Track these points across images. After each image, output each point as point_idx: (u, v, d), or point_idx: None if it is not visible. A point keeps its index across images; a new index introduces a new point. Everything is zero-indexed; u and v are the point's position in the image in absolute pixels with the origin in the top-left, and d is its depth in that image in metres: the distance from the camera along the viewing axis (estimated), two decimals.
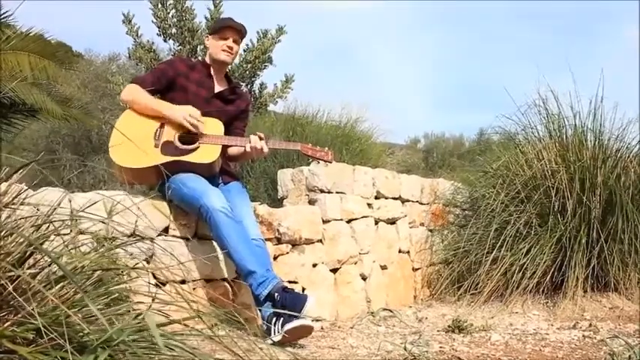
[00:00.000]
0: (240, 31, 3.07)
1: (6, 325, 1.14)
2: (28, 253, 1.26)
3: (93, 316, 1.23)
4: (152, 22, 8.65)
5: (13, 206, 1.34)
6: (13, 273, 1.14)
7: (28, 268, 1.26)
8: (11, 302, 1.18)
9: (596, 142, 3.98)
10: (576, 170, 3.77)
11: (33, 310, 1.09)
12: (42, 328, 0.93)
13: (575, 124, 4.06)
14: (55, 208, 1.36)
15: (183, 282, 2.72)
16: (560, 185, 3.75)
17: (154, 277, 2.62)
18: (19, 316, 1.14)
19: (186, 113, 2.80)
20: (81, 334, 1.12)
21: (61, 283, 1.26)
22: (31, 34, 6.35)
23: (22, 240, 1.23)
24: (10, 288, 1.03)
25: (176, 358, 1.20)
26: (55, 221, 1.42)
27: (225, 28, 3.04)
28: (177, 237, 2.78)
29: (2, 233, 1.19)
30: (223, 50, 3.01)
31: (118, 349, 0.99)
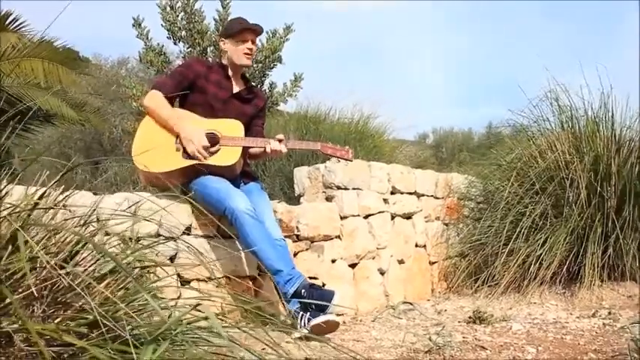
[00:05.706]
0: (259, 32, 3.08)
1: (57, 320, 1.20)
2: (73, 252, 1.32)
3: (139, 310, 1.29)
4: (161, 25, 8.70)
5: (55, 208, 1.40)
6: (63, 270, 1.20)
7: (75, 266, 1.31)
8: (59, 299, 1.23)
9: (609, 132, 3.99)
10: (590, 160, 3.79)
11: (84, 304, 1.14)
12: (99, 321, 0.98)
13: (587, 115, 4.08)
14: (94, 209, 1.42)
15: (209, 279, 2.78)
16: (574, 176, 3.77)
17: (179, 276, 2.69)
18: (70, 311, 1.20)
19: (198, 145, 2.77)
20: (130, 327, 1.17)
21: (106, 280, 1.32)
22: (43, 42, 6.44)
23: (68, 239, 1.28)
24: (65, 283, 1.08)
25: (219, 349, 1.25)
26: (93, 222, 1.48)
27: (245, 30, 3.02)
28: (200, 235, 2.84)
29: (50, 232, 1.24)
30: (245, 54, 3.01)
31: (176, 340, 1.04)
